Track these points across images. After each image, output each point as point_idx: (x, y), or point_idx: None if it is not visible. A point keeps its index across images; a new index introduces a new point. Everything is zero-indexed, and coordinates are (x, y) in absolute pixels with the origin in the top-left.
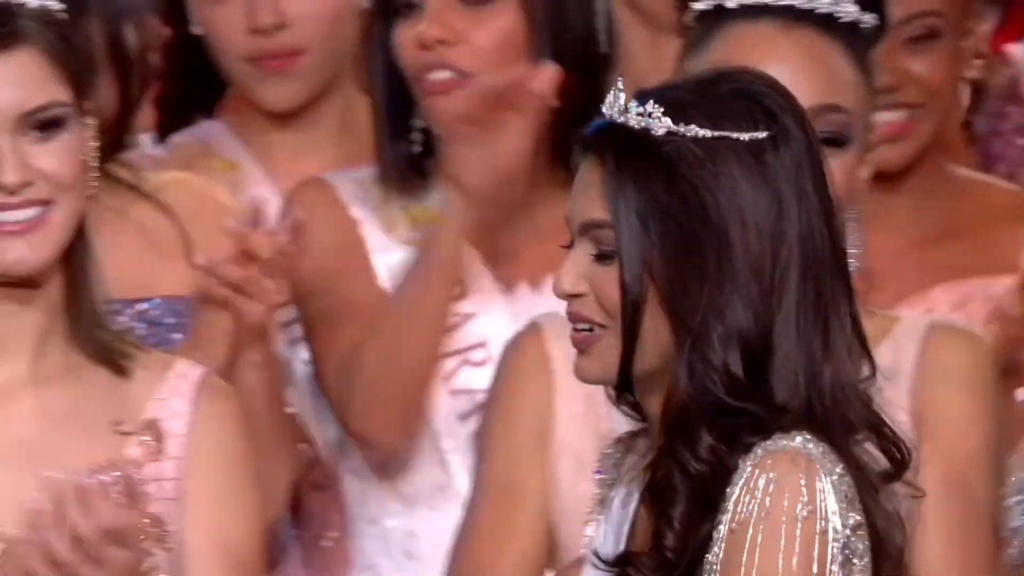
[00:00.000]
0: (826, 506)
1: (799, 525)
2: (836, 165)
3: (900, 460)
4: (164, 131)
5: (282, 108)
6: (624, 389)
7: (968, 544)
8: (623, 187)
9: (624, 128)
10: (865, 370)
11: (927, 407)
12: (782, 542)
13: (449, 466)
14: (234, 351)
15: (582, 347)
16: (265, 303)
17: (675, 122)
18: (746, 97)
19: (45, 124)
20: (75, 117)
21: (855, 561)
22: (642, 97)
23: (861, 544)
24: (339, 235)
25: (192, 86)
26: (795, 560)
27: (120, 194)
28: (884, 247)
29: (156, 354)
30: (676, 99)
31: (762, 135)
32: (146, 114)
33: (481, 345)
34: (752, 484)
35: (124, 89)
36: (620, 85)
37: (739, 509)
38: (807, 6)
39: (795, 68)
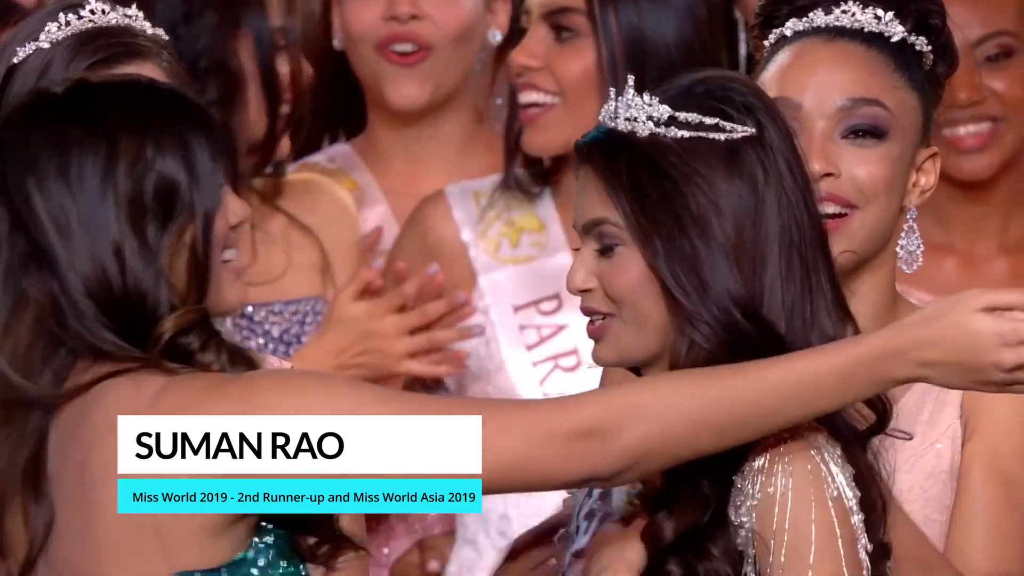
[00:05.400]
0: (843, 487)
1: (832, 508)
2: (875, 155)
3: (883, 412)
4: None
5: (407, 106)
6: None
7: (1008, 536)
8: (616, 184)
9: (614, 133)
10: (849, 331)
11: (976, 406)
12: (822, 533)
13: None
14: None
15: (596, 336)
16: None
17: (657, 125)
18: (719, 98)
19: None
20: None
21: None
22: (640, 93)
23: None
24: (449, 260)
25: (324, 112)
26: (840, 543)
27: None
28: (975, 253)
29: None
30: (662, 101)
31: (737, 135)
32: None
33: (572, 352)
34: (770, 471)
35: (272, 115)
36: (612, 94)
37: (761, 498)
38: (853, 26)
39: (832, 68)
